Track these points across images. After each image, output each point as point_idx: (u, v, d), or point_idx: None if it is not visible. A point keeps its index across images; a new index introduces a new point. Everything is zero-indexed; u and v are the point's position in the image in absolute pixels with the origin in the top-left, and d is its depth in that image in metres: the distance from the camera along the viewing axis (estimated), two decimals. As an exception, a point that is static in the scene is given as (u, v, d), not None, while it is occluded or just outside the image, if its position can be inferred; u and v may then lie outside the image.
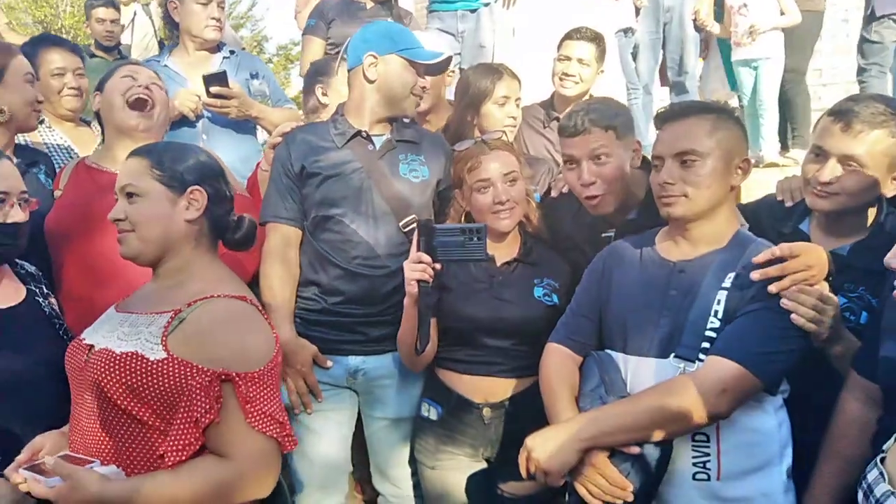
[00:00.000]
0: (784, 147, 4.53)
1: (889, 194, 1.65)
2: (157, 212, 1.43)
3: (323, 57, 3.17)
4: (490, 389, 1.92)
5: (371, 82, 2.04)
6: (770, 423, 1.49)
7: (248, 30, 15.94)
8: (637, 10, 4.48)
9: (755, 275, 1.46)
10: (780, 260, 1.46)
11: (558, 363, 1.68)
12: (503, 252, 1.98)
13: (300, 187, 2.04)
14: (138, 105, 2.07)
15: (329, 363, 2.04)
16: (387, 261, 2.00)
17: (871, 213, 1.70)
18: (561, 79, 2.87)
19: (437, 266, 1.73)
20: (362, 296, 2.00)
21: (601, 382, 1.54)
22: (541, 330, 1.81)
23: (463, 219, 2.00)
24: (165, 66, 2.77)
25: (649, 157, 1.69)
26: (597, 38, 2.89)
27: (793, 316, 1.43)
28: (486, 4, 4.02)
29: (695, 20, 4.58)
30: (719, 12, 4.63)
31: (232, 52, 2.92)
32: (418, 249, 1.74)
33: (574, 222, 2.05)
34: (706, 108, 1.61)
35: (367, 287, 2.00)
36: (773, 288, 1.45)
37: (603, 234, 1.91)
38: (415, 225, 1.85)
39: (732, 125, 1.58)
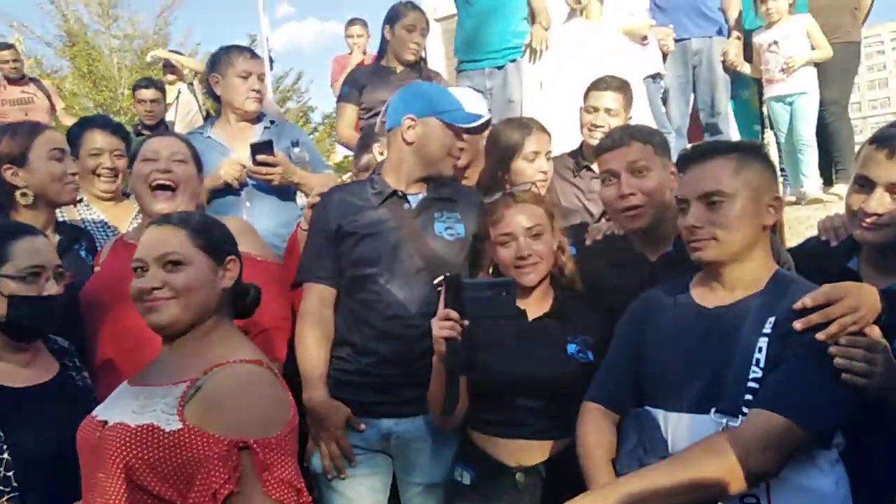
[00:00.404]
0: (827, 182, 4.40)
1: None
2: (203, 280, 1.44)
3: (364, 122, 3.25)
4: (524, 452, 1.83)
5: (409, 144, 2.06)
6: (826, 481, 1.38)
7: (294, 102, 16.63)
8: (664, 56, 4.49)
9: (797, 325, 1.37)
10: (822, 304, 1.37)
11: (594, 423, 1.60)
12: (535, 307, 1.93)
13: (337, 246, 2.05)
14: (161, 189, 2.07)
15: (362, 426, 2.00)
16: (420, 320, 1.95)
17: None
18: (590, 129, 2.86)
19: (466, 322, 1.69)
20: (395, 356, 1.98)
21: (640, 442, 1.46)
22: (575, 388, 1.73)
23: (491, 271, 1.97)
24: (208, 136, 2.85)
25: None
26: (622, 87, 2.88)
27: (844, 375, 1.33)
28: (513, 60, 4.10)
29: (724, 62, 4.56)
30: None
31: (272, 122, 3.00)
32: (446, 306, 1.69)
33: (613, 267, 2.01)
34: (730, 147, 1.57)
35: (400, 347, 1.97)
36: (821, 336, 1.35)
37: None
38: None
39: (758, 163, 1.53)
